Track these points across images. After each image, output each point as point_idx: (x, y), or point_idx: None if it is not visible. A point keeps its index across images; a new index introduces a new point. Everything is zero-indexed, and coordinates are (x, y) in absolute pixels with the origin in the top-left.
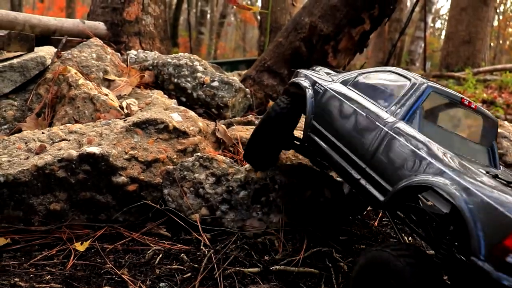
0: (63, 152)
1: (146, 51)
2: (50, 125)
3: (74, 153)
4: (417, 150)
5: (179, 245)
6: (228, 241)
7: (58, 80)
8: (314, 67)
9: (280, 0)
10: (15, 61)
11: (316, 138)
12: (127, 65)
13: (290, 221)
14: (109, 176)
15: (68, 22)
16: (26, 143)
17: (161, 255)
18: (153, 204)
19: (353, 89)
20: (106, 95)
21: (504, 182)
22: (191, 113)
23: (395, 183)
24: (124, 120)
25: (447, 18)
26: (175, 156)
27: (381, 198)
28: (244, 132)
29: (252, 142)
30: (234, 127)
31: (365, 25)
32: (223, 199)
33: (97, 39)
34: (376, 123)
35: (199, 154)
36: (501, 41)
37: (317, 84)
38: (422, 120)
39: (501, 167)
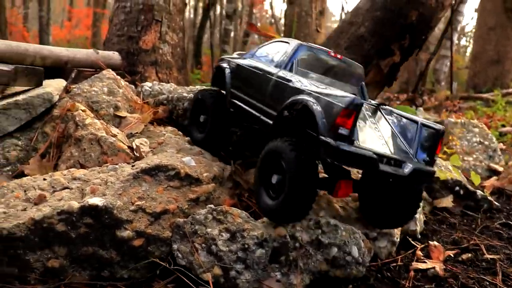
0: (64, 204)
1: (161, 83)
2: (55, 167)
3: (76, 205)
4: (291, 84)
5: None
6: None
7: (66, 118)
8: (237, 52)
9: (303, 26)
10: (20, 97)
11: (235, 101)
12: (141, 98)
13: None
14: (113, 229)
15: (81, 52)
16: (25, 191)
17: None
18: (161, 262)
19: (253, 59)
20: (115, 136)
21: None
22: (206, 154)
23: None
24: (132, 166)
25: (472, 36)
26: (187, 206)
27: (270, 122)
28: None
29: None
30: (252, 170)
31: (394, 57)
32: (238, 257)
33: (110, 71)
34: (267, 75)
35: (212, 206)
36: None
37: (231, 63)
38: (298, 69)
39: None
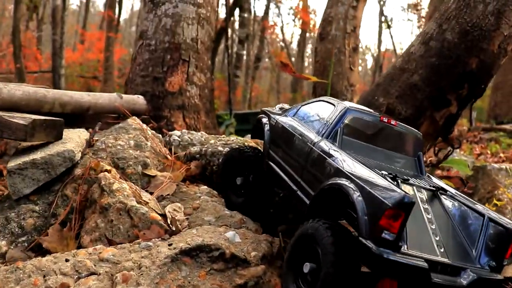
0: None
1: (191, 132)
2: (77, 237)
3: None
4: (332, 162)
5: None
6: None
7: (89, 178)
8: (281, 105)
9: (336, 64)
10: (38, 156)
11: (272, 164)
12: (170, 151)
13: None
14: None
15: (103, 97)
16: (44, 276)
17: None
18: None
19: (295, 118)
20: (146, 203)
21: (399, 181)
22: (249, 223)
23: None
24: (169, 245)
25: None
26: None
27: (307, 201)
28: None
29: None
30: None
31: (451, 108)
32: None
33: (136, 119)
34: (307, 143)
35: None
36: None
37: (271, 118)
38: (343, 138)
39: (426, 174)
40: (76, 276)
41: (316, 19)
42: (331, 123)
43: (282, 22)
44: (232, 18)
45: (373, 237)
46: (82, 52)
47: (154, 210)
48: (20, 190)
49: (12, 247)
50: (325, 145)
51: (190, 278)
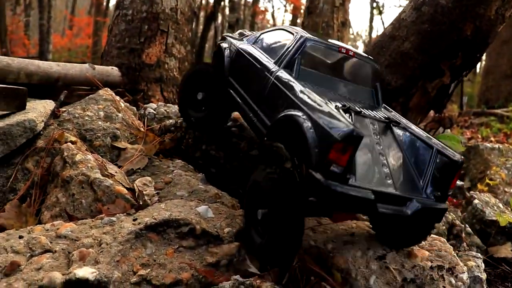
0: (43, 276)
1: (168, 105)
2: (37, 214)
3: (58, 277)
4: (287, 92)
5: None
6: None
7: (53, 150)
8: (242, 31)
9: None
10: None
11: (231, 91)
12: (144, 123)
13: None
14: None
15: (74, 68)
16: None
17: None
18: None
19: (255, 46)
20: (112, 176)
21: (353, 113)
22: (224, 198)
23: (273, 119)
24: (134, 220)
25: None
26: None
27: (264, 131)
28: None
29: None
30: None
31: (444, 78)
32: None
33: (108, 90)
34: (265, 72)
35: (238, 278)
36: None
37: (232, 45)
38: (301, 68)
39: (383, 105)
40: (29, 254)
41: None
42: (290, 53)
43: (273, 7)
44: (222, 3)
45: (321, 170)
46: (70, 37)
47: (121, 184)
48: None
49: None
50: (282, 75)
51: (156, 256)
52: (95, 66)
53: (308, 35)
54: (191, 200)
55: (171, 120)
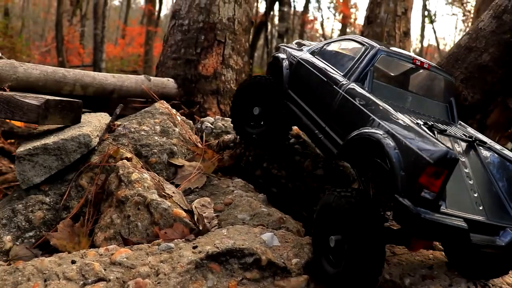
0: None
1: (225, 119)
2: (90, 234)
3: None
4: (363, 108)
5: None
6: None
7: (107, 166)
8: (299, 41)
9: None
10: (50, 141)
11: (292, 106)
12: (201, 139)
13: None
14: None
15: (130, 80)
16: (45, 280)
17: None
18: None
19: (319, 58)
20: (170, 197)
21: (436, 131)
22: (288, 223)
23: (345, 137)
24: (194, 248)
25: None
26: None
27: (334, 151)
28: None
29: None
30: None
31: None
32: None
33: (164, 103)
34: (333, 86)
35: None
36: None
37: (291, 56)
38: (373, 81)
39: (458, 121)
40: (82, 282)
41: (357, 14)
42: (361, 65)
43: (322, 16)
44: (272, 12)
45: (410, 195)
46: (123, 46)
47: (179, 205)
48: (30, 179)
49: (17, 243)
50: (354, 88)
51: None
52: (151, 77)
53: (380, 46)
54: (253, 225)
55: (229, 136)
